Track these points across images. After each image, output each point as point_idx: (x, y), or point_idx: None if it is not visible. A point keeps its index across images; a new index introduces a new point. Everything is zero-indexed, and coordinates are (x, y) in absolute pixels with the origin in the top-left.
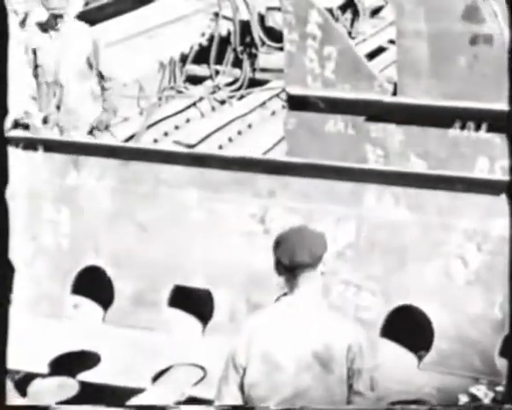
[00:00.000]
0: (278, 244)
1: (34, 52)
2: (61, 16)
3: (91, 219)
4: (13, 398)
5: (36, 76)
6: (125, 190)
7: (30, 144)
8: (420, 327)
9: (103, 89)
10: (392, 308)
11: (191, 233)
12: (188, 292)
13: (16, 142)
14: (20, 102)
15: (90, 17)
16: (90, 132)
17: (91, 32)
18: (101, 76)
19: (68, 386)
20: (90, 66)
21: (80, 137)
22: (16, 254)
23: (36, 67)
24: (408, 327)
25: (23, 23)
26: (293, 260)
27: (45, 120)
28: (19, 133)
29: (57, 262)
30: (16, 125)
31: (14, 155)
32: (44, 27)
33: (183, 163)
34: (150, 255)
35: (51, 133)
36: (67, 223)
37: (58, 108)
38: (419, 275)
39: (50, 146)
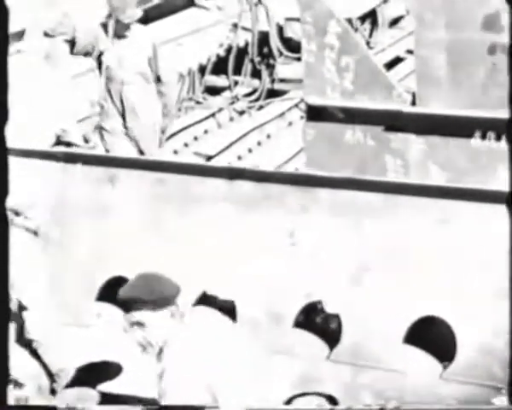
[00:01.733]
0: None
1: (100, 53)
2: (130, 24)
3: (123, 232)
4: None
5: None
6: (158, 203)
7: (69, 158)
8: (443, 338)
9: (160, 93)
10: (416, 319)
11: (221, 246)
12: (212, 301)
13: (55, 156)
14: (60, 120)
15: None
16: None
17: (151, 35)
18: (158, 80)
19: (88, 397)
20: (151, 68)
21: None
22: (46, 263)
23: (100, 66)
24: (431, 338)
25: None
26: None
27: (86, 140)
28: (58, 148)
29: (85, 272)
30: (58, 142)
31: (53, 168)
32: (115, 35)
33: (217, 177)
34: (178, 267)
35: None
36: (100, 235)
37: (97, 128)
38: (442, 286)
39: (87, 160)
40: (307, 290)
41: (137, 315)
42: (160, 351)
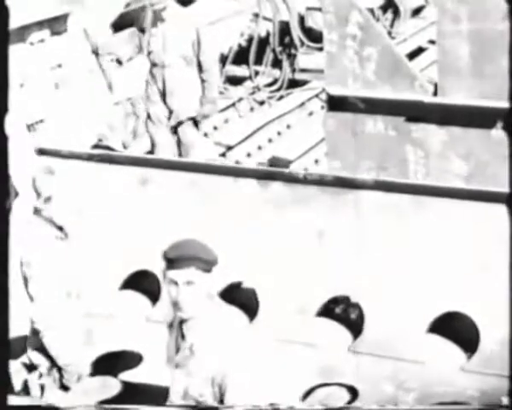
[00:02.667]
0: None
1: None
2: (164, 9)
3: (153, 230)
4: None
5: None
6: (189, 203)
7: (103, 159)
8: (465, 332)
9: (202, 81)
10: (439, 315)
11: (250, 243)
12: (235, 287)
13: (91, 157)
14: (96, 127)
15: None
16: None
17: (195, 20)
18: (199, 67)
19: (110, 386)
20: (194, 53)
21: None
22: (67, 256)
23: (148, 53)
24: (453, 332)
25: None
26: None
27: (125, 146)
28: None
29: (107, 266)
30: (97, 146)
31: (91, 169)
32: (153, 24)
33: (250, 178)
34: None
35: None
36: (127, 232)
37: (134, 134)
38: (465, 281)
39: (120, 161)
40: (332, 285)
41: (188, 273)
42: (185, 321)
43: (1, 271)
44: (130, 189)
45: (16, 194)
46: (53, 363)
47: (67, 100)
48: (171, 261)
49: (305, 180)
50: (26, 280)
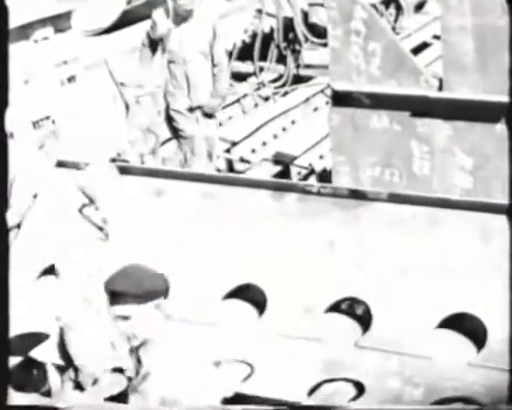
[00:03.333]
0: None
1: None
2: (192, 11)
3: (167, 240)
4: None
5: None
6: (203, 214)
7: (119, 171)
8: (473, 330)
9: (213, 74)
10: (446, 316)
11: (261, 252)
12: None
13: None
14: (115, 143)
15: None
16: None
17: (212, 17)
18: (212, 62)
19: (119, 382)
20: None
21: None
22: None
23: (163, 51)
24: (461, 330)
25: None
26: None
27: (142, 161)
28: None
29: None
30: (115, 160)
31: (110, 180)
32: (175, 23)
33: (263, 189)
34: (220, 269)
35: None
36: (146, 244)
37: (153, 152)
38: (474, 284)
39: (136, 173)
40: (341, 289)
41: (123, 308)
42: (142, 345)
43: (1, 268)
44: (145, 199)
45: (35, 196)
46: (69, 362)
47: (78, 103)
48: (109, 295)
49: (319, 193)
50: (57, 276)
